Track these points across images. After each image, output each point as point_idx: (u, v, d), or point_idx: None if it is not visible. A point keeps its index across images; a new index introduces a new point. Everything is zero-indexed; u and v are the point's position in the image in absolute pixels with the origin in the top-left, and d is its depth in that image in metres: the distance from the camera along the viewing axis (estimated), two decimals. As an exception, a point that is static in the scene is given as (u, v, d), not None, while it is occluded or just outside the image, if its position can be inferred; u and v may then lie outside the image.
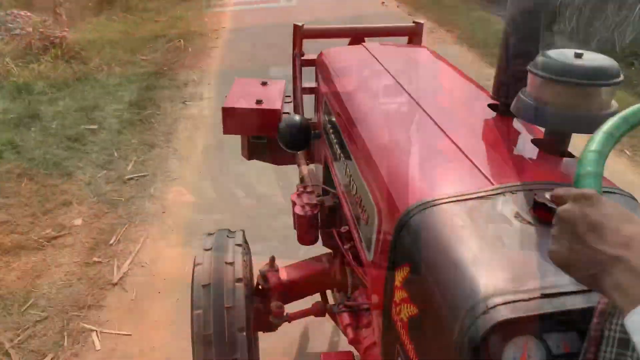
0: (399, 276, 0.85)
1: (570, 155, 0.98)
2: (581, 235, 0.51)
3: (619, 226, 0.49)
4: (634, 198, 0.86)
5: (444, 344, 0.67)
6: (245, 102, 1.83)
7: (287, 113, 1.93)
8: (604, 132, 0.65)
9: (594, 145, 0.63)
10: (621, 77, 0.89)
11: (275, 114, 1.80)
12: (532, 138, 1.05)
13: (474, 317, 0.62)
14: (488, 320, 0.61)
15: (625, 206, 0.83)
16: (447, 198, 0.83)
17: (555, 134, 0.98)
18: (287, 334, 1.95)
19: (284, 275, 1.65)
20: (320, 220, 1.64)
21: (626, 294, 0.45)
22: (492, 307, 0.62)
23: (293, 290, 1.66)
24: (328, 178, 1.60)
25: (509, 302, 0.63)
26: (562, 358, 0.64)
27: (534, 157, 0.98)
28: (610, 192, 0.85)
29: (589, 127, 0.90)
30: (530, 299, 0.63)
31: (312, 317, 1.65)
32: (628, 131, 0.67)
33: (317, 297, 1.75)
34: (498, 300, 0.63)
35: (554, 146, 0.98)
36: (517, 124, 1.14)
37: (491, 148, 1.02)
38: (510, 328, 0.63)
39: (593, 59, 0.89)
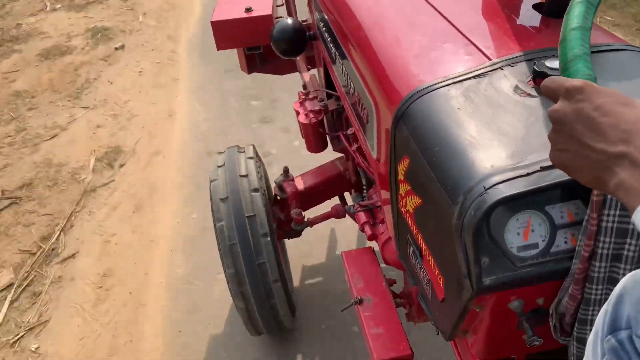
0: (401, 169, 0.83)
1: None
2: (578, 136, 0.46)
3: (617, 117, 0.44)
4: None
5: (447, 229, 0.67)
6: (234, 12, 1.74)
7: (281, 17, 1.83)
8: (581, 3, 0.58)
9: (574, 22, 0.55)
10: None
11: (267, 20, 1.71)
12: (534, 3, 0.97)
13: (471, 200, 0.61)
14: (486, 201, 0.60)
15: (637, 61, 0.78)
16: (441, 82, 0.79)
17: (558, -5, 0.90)
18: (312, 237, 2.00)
19: (299, 183, 1.66)
20: (327, 124, 1.61)
21: (632, 191, 0.42)
22: (489, 188, 0.61)
23: (310, 196, 1.68)
24: (329, 81, 1.54)
25: (507, 180, 0.61)
26: (567, 227, 0.64)
27: (536, 24, 0.91)
28: (619, 50, 0.79)
29: None
30: (529, 174, 0.61)
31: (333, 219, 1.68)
32: None
33: (336, 200, 1.77)
34: (496, 179, 0.61)
35: (556, 8, 0.90)
36: None
37: (488, 20, 0.95)
38: (511, 205, 0.62)
39: None
